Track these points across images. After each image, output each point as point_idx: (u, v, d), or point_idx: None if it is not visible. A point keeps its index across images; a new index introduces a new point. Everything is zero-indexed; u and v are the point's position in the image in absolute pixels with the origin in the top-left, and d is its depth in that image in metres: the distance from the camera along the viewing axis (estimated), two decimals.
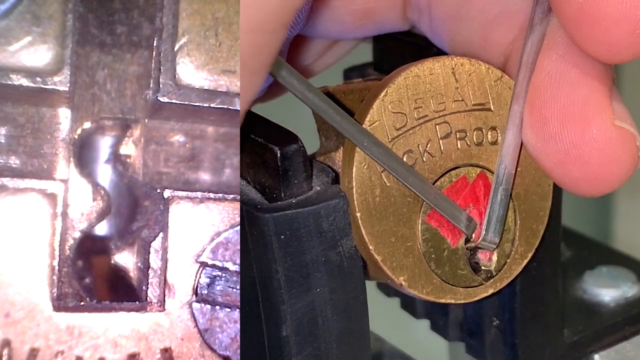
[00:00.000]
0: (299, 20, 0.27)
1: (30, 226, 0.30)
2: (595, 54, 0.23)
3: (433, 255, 0.27)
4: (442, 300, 0.27)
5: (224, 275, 0.32)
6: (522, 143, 0.26)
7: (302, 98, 0.25)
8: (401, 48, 0.31)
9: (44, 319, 0.29)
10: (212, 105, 0.31)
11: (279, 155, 0.26)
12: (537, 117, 0.25)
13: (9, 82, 0.29)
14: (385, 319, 0.35)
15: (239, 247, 0.31)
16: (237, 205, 0.32)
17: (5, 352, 0.29)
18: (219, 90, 0.31)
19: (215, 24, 0.31)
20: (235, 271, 0.32)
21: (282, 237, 0.26)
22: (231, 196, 0.32)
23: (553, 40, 0.25)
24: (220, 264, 0.32)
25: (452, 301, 0.27)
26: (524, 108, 0.25)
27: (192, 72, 0.31)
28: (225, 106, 0.31)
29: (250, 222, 0.26)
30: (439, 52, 0.29)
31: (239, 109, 0.31)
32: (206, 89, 0.31)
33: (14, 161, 0.30)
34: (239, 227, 0.31)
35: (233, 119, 0.32)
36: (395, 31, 0.29)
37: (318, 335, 0.26)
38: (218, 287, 0.32)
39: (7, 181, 0.29)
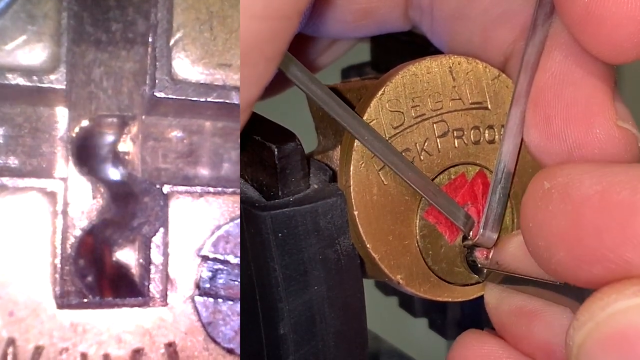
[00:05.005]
0: (303, 14, 0.27)
1: (31, 225, 0.30)
2: (600, 55, 0.23)
3: (430, 252, 0.27)
4: (440, 299, 0.27)
5: (225, 268, 0.33)
6: (521, 142, 0.26)
7: (306, 91, 0.25)
8: (399, 47, 0.31)
9: (47, 317, 0.30)
10: (208, 99, 0.31)
11: (276, 153, 0.26)
12: (540, 116, 0.25)
13: (6, 82, 0.29)
14: (383, 317, 0.36)
15: (239, 239, 0.31)
16: (237, 198, 0.32)
17: (10, 350, 0.29)
18: (215, 84, 0.31)
19: (210, 18, 0.31)
20: (237, 264, 0.33)
21: (280, 235, 0.26)
22: (231, 189, 0.32)
23: (556, 41, 0.24)
24: (221, 257, 0.33)
25: (450, 299, 0.27)
26: (525, 108, 0.25)
27: (188, 66, 0.31)
28: (222, 100, 0.31)
29: (247, 220, 0.27)
30: (436, 52, 0.29)
31: (237, 102, 0.31)
32: (202, 83, 0.31)
33: (13, 161, 0.30)
34: (239, 220, 0.31)
35: (230, 112, 0.31)
36: (396, 31, 0.29)
37: (316, 333, 0.26)
38: (220, 281, 0.33)
39: (6, 181, 0.30)
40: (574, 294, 0.22)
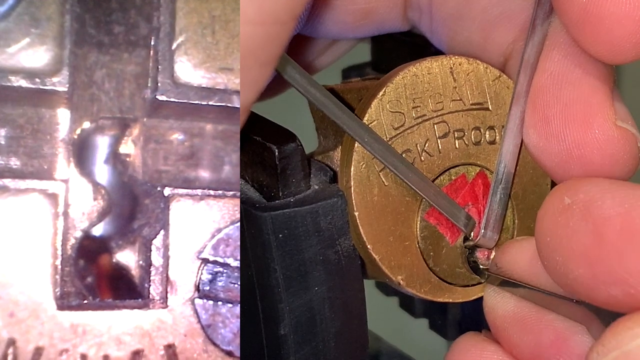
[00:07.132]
0: (300, 18, 0.27)
1: (33, 226, 0.30)
2: (598, 55, 0.23)
3: (431, 253, 0.27)
4: (440, 299, 0.27)
5: (225, 271, 0.33)
6: (521, 143, 0.26)
7: (305, 94, 0.25)
8: (399, 48, 0.31)
9: (48, 318, 0.30)
10: (210, 103, 0.31)
11: (276, 153, 0.26)
12: (539, 116, 0.25)
13: (8, 84, 0.29)
14: (383, 317, 0.36)
15: (239, 242, 0.31)
16: (237, 201, 0.33)
17: (10, 351, 0.29)
18: (217, 87, 0.31)
19: (212, 22, 0.31)
20: (237, 267, 0.33)
21: (280, 235, 0.26)
22: (231, 193, 0.33)
23: (555, 41, 0.25)
24: (221, 260, 0.33)
25: (450, 300, 0.27)
26: (524, 108, 0.25)
27: (190, 70, 0.31)
28: (223, 104, 0.31)
29: (248, 220, 0.27)
30: (437, 52, 0.29)
31: (238, 106, 0.31)
32: (204, 87, 0.31)
33: (15, 162, 0.30)
34: (239, 223, 0.31)
35: (231, 116, 0.32)
36: (395, 31, 0.29)
37: (316, 333, 0.26)
38: (220, 283, 0.33)
39: (8, 182, 0.30)
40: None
